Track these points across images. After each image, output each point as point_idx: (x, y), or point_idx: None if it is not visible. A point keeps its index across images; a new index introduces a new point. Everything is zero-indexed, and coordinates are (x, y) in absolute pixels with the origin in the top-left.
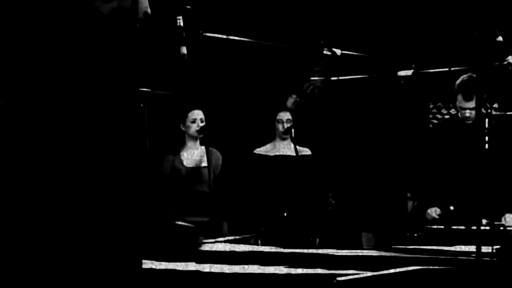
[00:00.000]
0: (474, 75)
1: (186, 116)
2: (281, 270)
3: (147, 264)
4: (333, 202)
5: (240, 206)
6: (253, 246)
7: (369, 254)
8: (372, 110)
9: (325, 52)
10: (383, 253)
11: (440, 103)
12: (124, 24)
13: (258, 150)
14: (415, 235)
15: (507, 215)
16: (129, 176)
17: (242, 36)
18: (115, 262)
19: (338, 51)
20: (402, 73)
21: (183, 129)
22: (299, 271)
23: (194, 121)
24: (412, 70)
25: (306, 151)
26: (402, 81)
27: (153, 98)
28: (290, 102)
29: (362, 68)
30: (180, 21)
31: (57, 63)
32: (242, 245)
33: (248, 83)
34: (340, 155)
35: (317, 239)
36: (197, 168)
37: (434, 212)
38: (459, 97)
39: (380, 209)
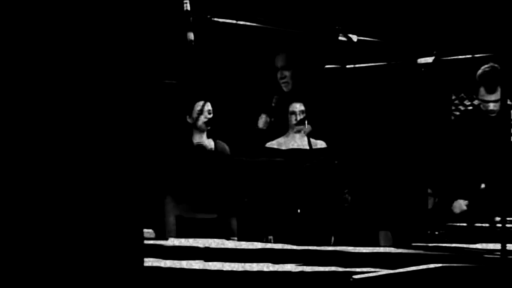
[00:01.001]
0: (496, 65)
1: (192, 108)
2: (295, 268)
3: (154, 262)
4: (349, 198)
5: (251, 202)
6: (265, 243)
7: (387, 251)
8: (390, 100)
9: (340, 38)
10: (401, 250)
11: (463, 94)
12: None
13: (270, 144)
14: (436, 233)
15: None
16: (129, 174)
17: (252, 21)
18: (115, 261)
19: (354, 37)
20: (422, 60)
21: (189, 121)
22: (313, 269)
23: (201, 113)
24: (433, 57)
25: (321, 144)
26: (423, 69)
27: (157, 88)
28: (261, 122)
29: (379, 55)
30: (187, 5)
31: (55, 61)
32: (253, 243)
33: (259, 72)
34: (357, 149)
35: (332, 237)
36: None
37: (462, 203)
38: (481, 90)
39: (399, 206)
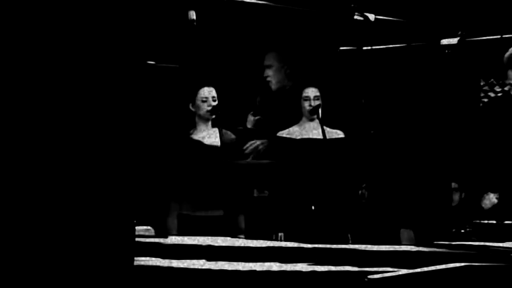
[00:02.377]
0: None
1: (195, 94)
2: (305, 268)
3: (151, 262)
4: (366, 193)
5: (260, 197)
6: (274, 242)
7: (406, 249)
8: (411, 86)
9: (356, 17)
10: (422, 249)
11: (493, 79)
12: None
13: (282, 133)
14: (462, 230)
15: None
16: (121, 173)
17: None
18: (102, 259)
19: (372, 16)
20: (446, 41)
21: (192, 109)
22: (326, 268)
23: (205, 100)
24: (458, 38)
25: (338, 134)
26: (447, 51)
27: (157, 72)
28: (248, 122)
29: (399, 36)
30: None
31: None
32: (260, 241)
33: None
34: (375, 139)
35: (349, 236)
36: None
37: (493, 197)
38: (510, 73)
39: (421, 201)
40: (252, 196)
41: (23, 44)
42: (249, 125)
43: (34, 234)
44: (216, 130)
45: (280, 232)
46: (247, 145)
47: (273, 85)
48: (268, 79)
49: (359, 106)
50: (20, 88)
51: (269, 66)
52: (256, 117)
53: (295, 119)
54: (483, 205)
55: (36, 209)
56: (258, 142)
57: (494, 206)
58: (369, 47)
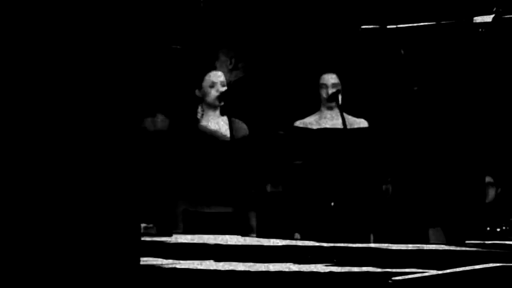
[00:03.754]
0: None
1: (202, 79)
2: (323, 268)
3: (153, 261)
4: (391, 189)
5: (274, 192)
6: (289, 240)
7: (434, 248)
8: (441, 69)
9: None
10: (453, 248)
11: None
12: None
13: (299, 123)
14: (498, 229)
15: None
16: (124, 173)
17: None
18: (107, 259)
19: None
20: (479, 18)
21: (199, 95)
22: (345, 269)
23: (213, 85)
24: (493, 15)
25: (360, 123)
26: (480, 30)
27: (161, 53)
28: None
29: (427, 13)
30: None
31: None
32: (274, 239)
33: (283, 36)
34: (402, 129)
35: (371, 235)
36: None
37: None
38: None
39: (453, 197)
40: (265, 191)
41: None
42: None
43: (35, 234)
44: (225, 118)
45: (297, 232)
46: None
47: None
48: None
49: (411, 93)
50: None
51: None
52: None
53: (312, 108)
54: None
55: (36, 208)
56: None
57: None
58: (394, 26)
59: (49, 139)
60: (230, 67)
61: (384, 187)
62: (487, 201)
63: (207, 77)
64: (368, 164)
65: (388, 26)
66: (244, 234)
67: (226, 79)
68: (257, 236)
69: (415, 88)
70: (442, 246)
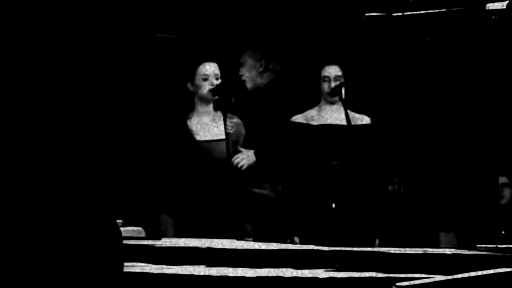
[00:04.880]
0: None
1: (195, 72)
2: (322, 274)
3: (141, 267)
4: (399, 189)
5: (271, 194)
6: (287, 244)
7: (443, 253)
8: (451, 59)
9: None
10: (463, 252)
11: None
12: None
13: (297, 118)
14: None
15: None
16: (104, 165)
17: None
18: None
19: None
20: (492, 5)
21: (191, 89)
22: (347, 275)
23: (206, 78)
24: (507, 2)
25: (363, 119)
26: (493, 17)
27: (151, 43)
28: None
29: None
30: None
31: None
32: (272, 243)
33: (282, 26)
34: (409, 125)
35: (377, 240)
36: (211, 142)
37: None
38: None
39: (464, 199)
40: (262, 192)
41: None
42: (229, 131)
43: (10, 238)
44: (219, 114)
45: (295, 235)
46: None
47: (248, 84)
48: (243, 78)
49: (419, 77)
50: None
51: (242, 64)
52: (232, 120)
53: (312, 102)
54: None
55: (13, 210)
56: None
57: None
58: (400, 13)
59: (28, 136)
60: (261, 69)
61: (390, 188)
62: (501, 203)
63: (199, 69)
64: (372, 163)
65: (394, 14)
66: (239, 238)
67: (258, 82)
68: (253, 240)
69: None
70: (451, 250)
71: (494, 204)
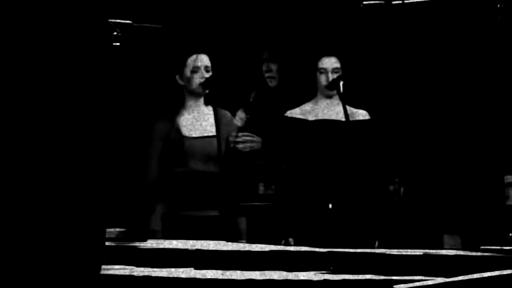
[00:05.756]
0: None
1: (184, 63)
2: (316, 276)
3: (124, 270)
4: (399, 189)
5: (265, 192)
6: (280, 246)
7: (444, 254)
8: (455, 51)
9: None
10: (464, 253)
11: None
12: None
13: (292, 113)
14: None
15: None
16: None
17: None
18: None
19: None
20: None
21: (180, 82)
22: (343, 277)
23: (196, 71)
24: None
25: (361, 115)
26: (499, 5)
27: (135, 33)
28: (236, 118)
29: None
30: None
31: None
32: (263, 245)
33: (276, 16)
34: (411, 121)
35: (376, 242)
36: (201, 139)
37: None
38: None
39: (469, 199)
40: (256, 193)
41: None
42: (238, 123)
43: None
44: (210, 109)
45: (290, 237)
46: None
47: (275, 81)
48: (271, 73)
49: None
50: None
51: (271, 59)
52: (247, 116)
53: (308, 96)
54: None
55: None
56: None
57: None
58: (400, 1)
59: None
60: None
61: (391, 188)
62: (508, 203)
63: (189, 61)
64: (372, 161)
65: (394, 2)
66: (231, 239)
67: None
68: (247, 242)
69: None
70: (453, 251)
71: (500, 204)
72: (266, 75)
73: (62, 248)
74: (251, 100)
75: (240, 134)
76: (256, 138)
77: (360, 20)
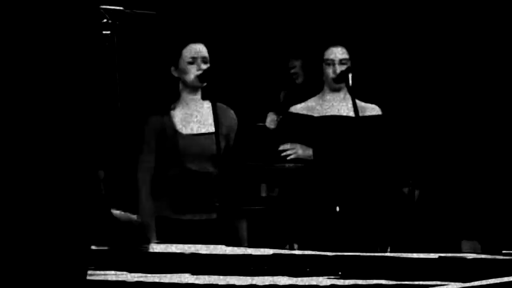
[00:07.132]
0: None
1: (180, 54)
2: (323, 281)
3: (116, 276)
4: (414, 191)
5: (267, 194)
6: (284, 250)
7: (460, 256)
8: (469, 43)
9: None
10: (481, 256)
11: None
12: None
13: (297, 108)
14: None
15: None
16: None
17: None
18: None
19: None
20: None
21: (175, 74)
22: (351, 282)
23: (192, 62)
24: None
25: (373, 110)
26: None
27: (127, 20)
28: (268, 120)
29: None
30: None
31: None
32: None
33: (278, 4)
34: (426, 117)
35: (388, 248)
36: (198, 136)
37: None
38: None
39: (488, 203)
40: (258, 195)
41: None
42: (271, 126)
43: None
44: (208, 103)
45: (295, 242)
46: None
47: (300, 78)
48: (294, 70)
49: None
50: None
51: (294, 57)
52: (280, 117)
53: (315, 90)
54: None
55: None
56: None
57: None
58: None
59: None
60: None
61: (405, 190)
62: None
63: (185, 52)
64: (383, 161)
65: None
66: (231, 244)
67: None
68: (248, 246)
69: None
70: (470, 255)
71: None
72: (291, 72)
73: (48, 252)
74: (280, 100)
75: (280, 148)
76: (299, 146)
77: (370, 7)
